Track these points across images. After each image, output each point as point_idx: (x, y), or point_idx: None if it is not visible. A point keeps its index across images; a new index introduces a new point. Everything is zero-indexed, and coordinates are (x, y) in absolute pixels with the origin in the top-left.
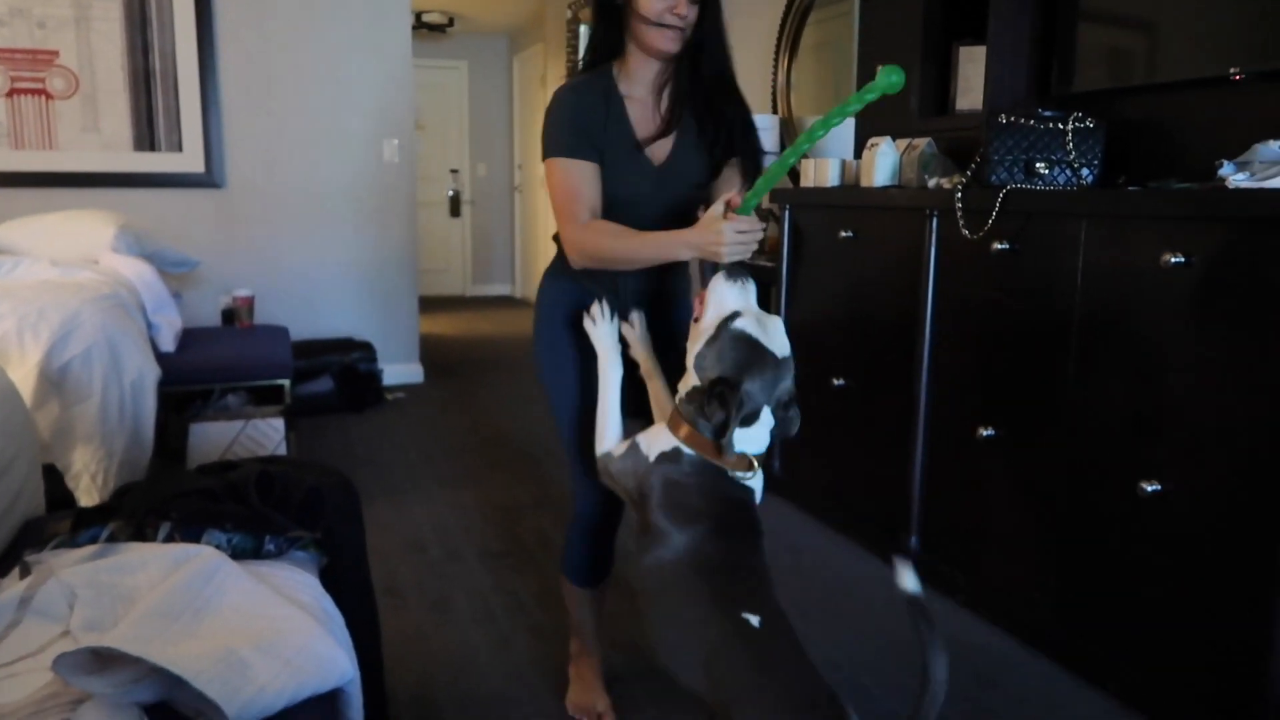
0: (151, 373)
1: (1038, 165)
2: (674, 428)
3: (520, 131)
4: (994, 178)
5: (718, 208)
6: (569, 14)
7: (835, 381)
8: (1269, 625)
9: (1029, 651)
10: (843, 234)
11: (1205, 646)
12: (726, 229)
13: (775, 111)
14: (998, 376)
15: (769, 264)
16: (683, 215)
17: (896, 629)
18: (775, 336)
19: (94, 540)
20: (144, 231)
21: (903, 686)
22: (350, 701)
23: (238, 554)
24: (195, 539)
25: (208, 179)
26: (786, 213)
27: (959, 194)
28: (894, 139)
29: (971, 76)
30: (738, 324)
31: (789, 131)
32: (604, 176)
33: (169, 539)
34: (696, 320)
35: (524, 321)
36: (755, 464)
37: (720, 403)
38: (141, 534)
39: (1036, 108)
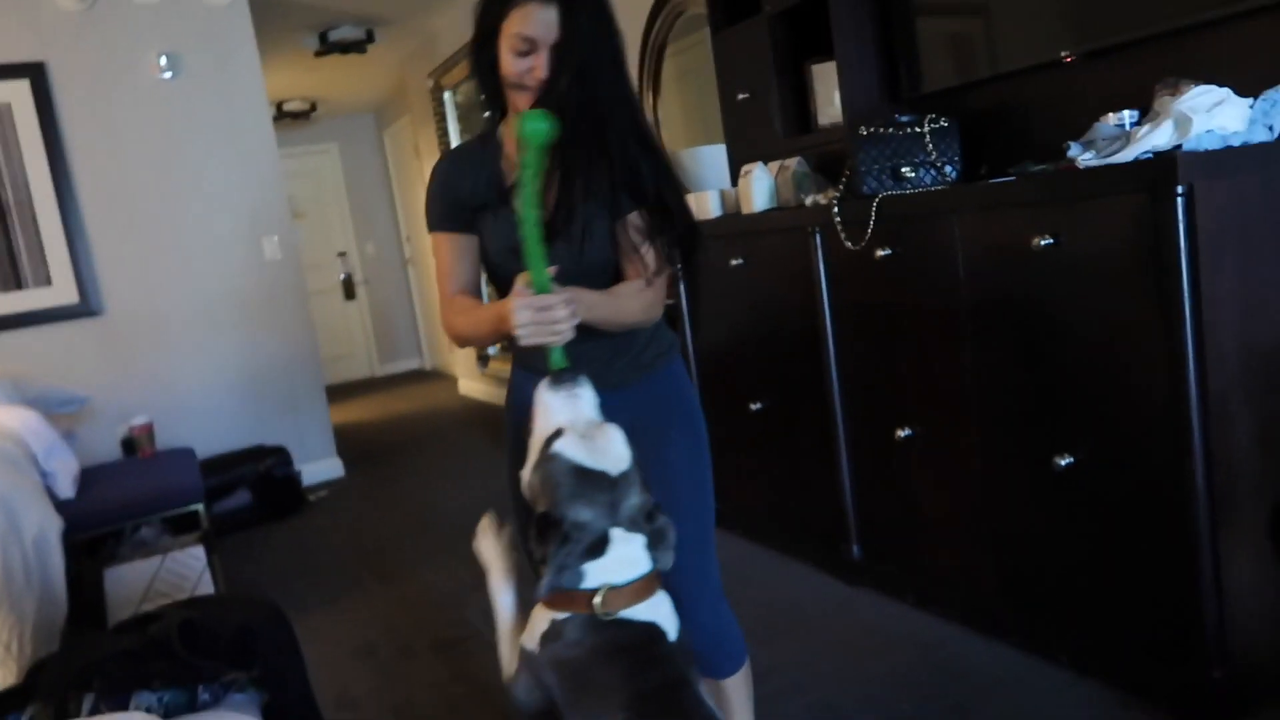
0: (53, 525)
1: (903, 170)
2: (545, 602)
3: (403, 205)
4: (865, 188)
5: (520, 281)
6: (430, 83)
7: (753, 405)
8: (1195, 572)
9: (984, 639)
10: (734, 262)
11: (1142, 603)
12: (518, 305)
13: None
14: (904, 377)
15: (669, 301)
16: (589, 278)
17: (853, 640)
18: (605, 452)
19: None
20: (22, 376)
21: (871, 696)
22: None
23: (171, 712)
24: (123, 706)
25: (84, 309)
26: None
27: (835, 209)
28: (765, 163)
29: (827, 92)
30: (558, 446)
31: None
32: (483, 245)
33: (94, 712)
34: (528, 435)
35: (437, 393)
36: (649, 589)
37: (540, 540)
38: (64, 711)
39: (892, 113)
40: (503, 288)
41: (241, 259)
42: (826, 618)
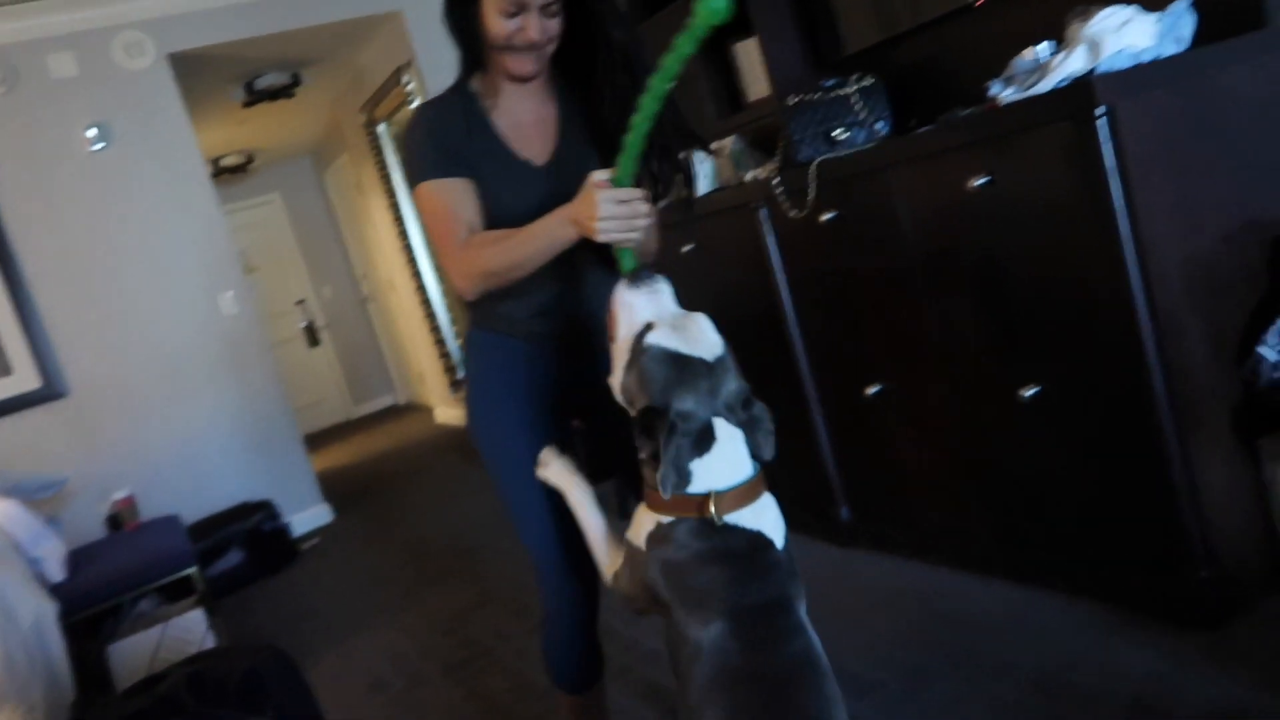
0: (49, 610)
1: (836, 133)
2: (651, 503)
3: (353, 242)
4: (801, 156)
5: (595, 176)
6: (363, 117)
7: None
8: (1169, 480)
9: (980, 580)
10: (685, 248)
11: (1124, 518)
12: (601, 197)
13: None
14: (866, 335)
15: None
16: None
17: (853, 601)
18: (700, 339)
19: None
20: None
21: (879, 654)
22: None
23: None
24: None
25: (48, 392)
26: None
27: (776, 180)
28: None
29: (753, 68)
30: (651, 338)
31: None
32: (483, 195)
33: None
34: (612, 340)
35: (414, 426)
36: (754, 493)
37: (648, 434)
38: None
39: (819, 80)
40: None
41: (199, 318)
42: (824, 583)
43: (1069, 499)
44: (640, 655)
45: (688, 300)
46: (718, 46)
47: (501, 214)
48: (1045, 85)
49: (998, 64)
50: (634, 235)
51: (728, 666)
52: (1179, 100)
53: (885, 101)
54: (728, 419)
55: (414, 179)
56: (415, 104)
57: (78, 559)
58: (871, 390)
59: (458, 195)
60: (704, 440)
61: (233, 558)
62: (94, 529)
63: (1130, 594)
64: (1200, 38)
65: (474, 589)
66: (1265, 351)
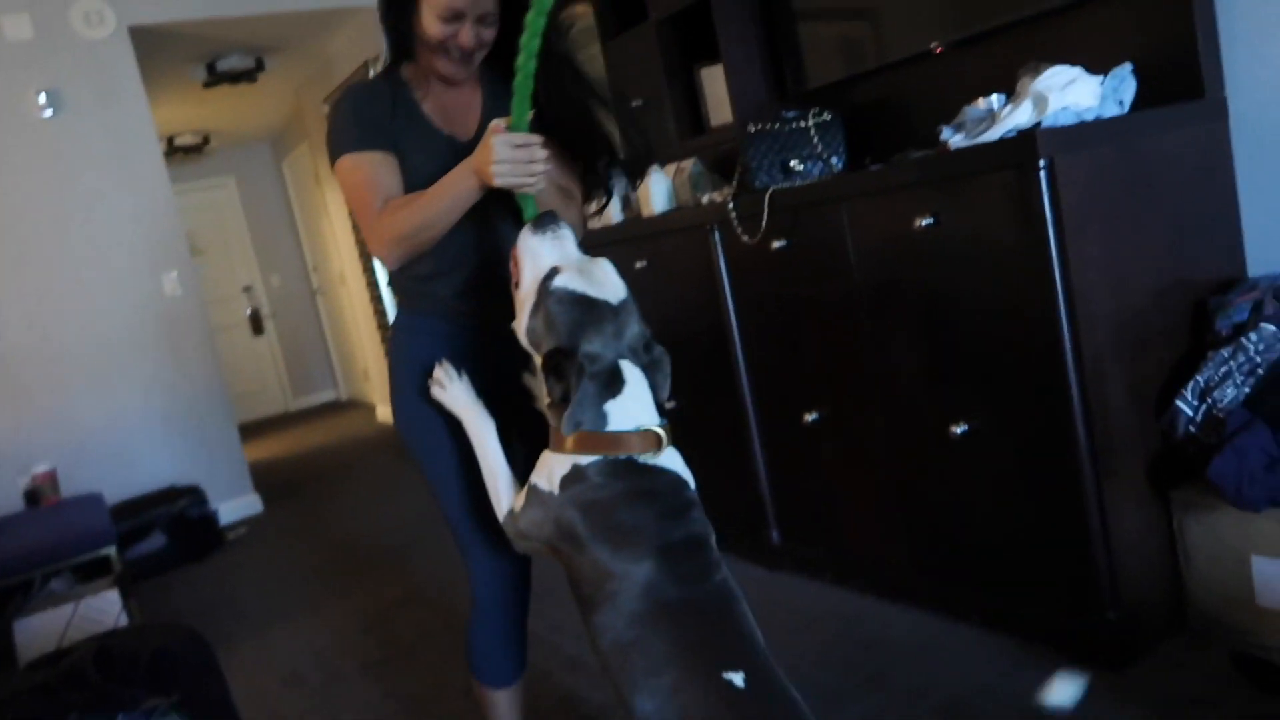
0: None
1: (792, 163)
2: (559, 445)
3: (306, 234)
4: (757, 182)
5: (494, 123)
6: (326, 108)
7: (667, 405)
8: (1084, 523)
9: (900, 608)
10: (638, 265)
11: (1040, 557)
12: (497, 143)
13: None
14: (808, 362)
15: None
16: (505, 197)
17: (776, 621)
18: (604, 282)
19: None
20: None
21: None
22: None
23: None
24: None
25: None
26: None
27: (730, 204)
28: (662, 165)
29: (717, 94)
30: (558, 281)
31: None
32: (406, 171)
33: None
34: (516, 286)
35: (354, 422)
36: (662, 438)
37: (557, 375)
38: None
39: (780, 110)
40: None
41: (140, 296)
42: (750, 603)
43: (990, 535)
44: (561, 661)
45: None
46: (685, 70)
47: (426, 181)
48: (993, 134)
49: (951, 110)
50: (531, 180)
51: (663, 599)
52: (1116, 159)
53: (842, 137)
54: (632, 361)
55: (335, 152)
56: None
57: None
58: (810, 417)
59: (378, 167)
60: (613, 382)
61: (155, 541)
62: (11, 502)
63: (1041, 630)
64: (1141, 102)
65: (399, 587)
66: (1182, 406)
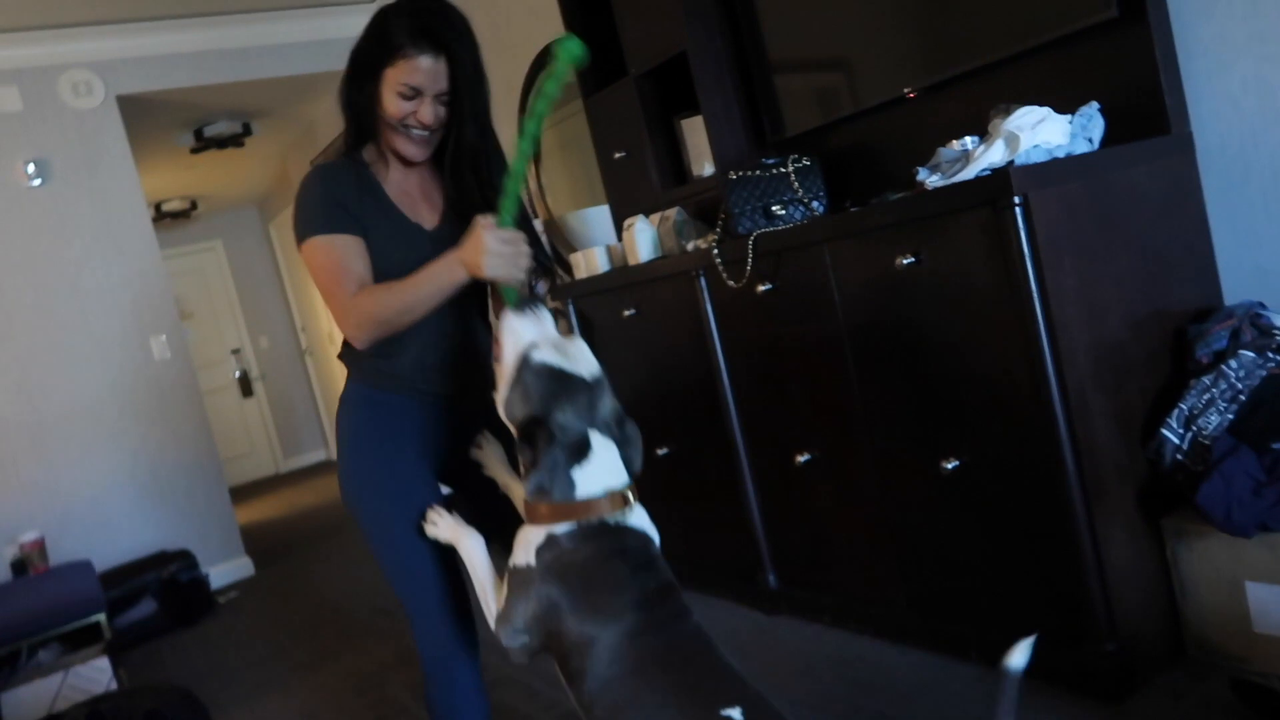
0: None
1: (774, 208)
2: (533, 517)
3: (294, 295)
4: (741, 228)
5: (483, 218)
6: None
7: (659, 451)
8: (1078, 555)
9: (898, 648)
10: (626, 313)
11: (1036, 591)
12: (487, 236)
13: (535, 216)
14: (798, 404)
15: None
16: (477, 286)
17: (775, 665)
18: (579, 358)
19: None
20: None
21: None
22: None
23: None
24: None
25: None
26: (570, 306)
27: (715, 250)
28: (646, 215)
29: (698, 144)
30: (535, 356)
31: (554, 232)
32: (374, 254)
33: None
34: (498, 361)
35: None
36: (629, 498)
37: (529, 443)
38: None
39: (760, 158)
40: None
41: (128, 360)
42: (748, 647)
43: (983, 570)
44: (542, 705)
45: (628, 364)
46: (665, 121)
47: (392, 271)
48: (968, 173)
49: (926, 152)
50: (518, 274)
51: (648, 648)
52: (1088, 194)
53: (821, 182)
54: (604, 434)
55: (303, 233)
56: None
57: None
58: (801, 458)
59: (348, 250)
60: (582, 450)
61: (145, 607)
62: None
63: (1041, 666)
64: (1109, 139)
65: (391, 648)
66: (1168, 434)
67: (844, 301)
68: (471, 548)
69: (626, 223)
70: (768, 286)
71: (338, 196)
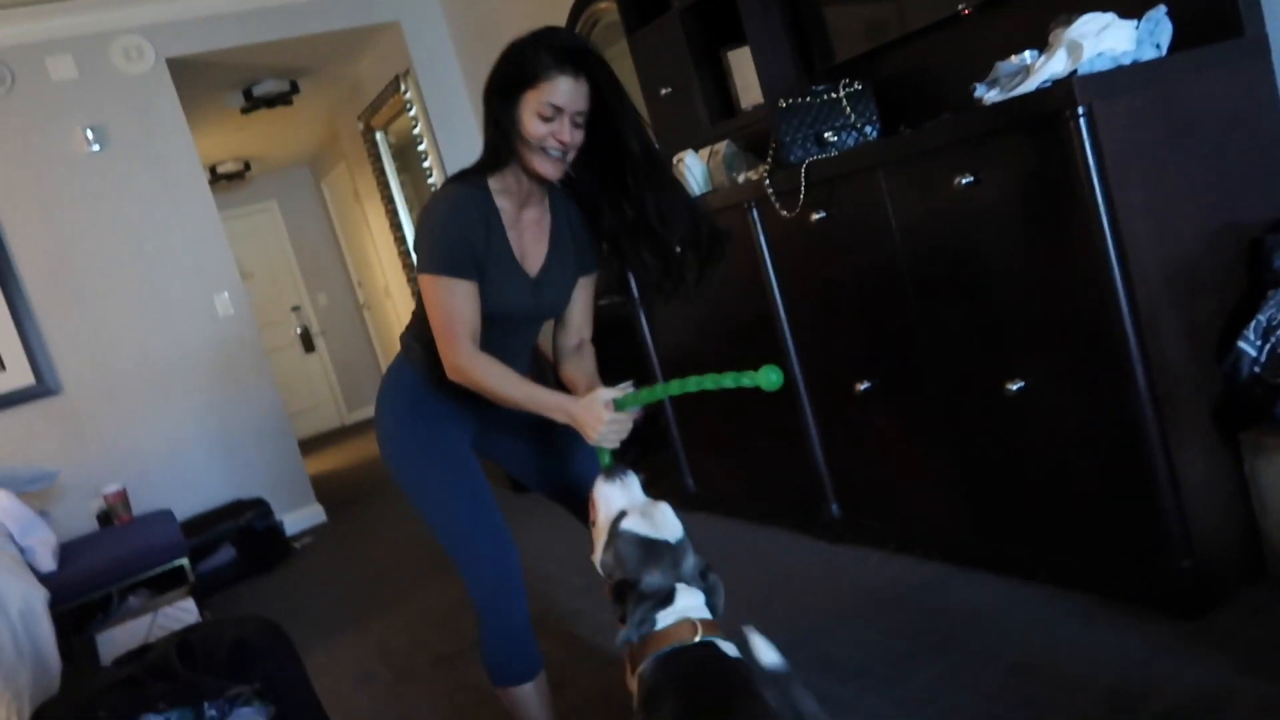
0: (38, 597)
1: (826, 135)
2: (633, 662)
3: (349, 251)
4: (792, 157)
5: (605, 394)
6: (361, 125)
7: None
8: (1150, 472)
9: (965, 573)
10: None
11: (1108, 510)
12: (605, 415)
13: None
14: (856, 333)
15: (620, 298)
16: (545, 320)
17: (840, 594)
18: (663, 524)
19: None
20: None
21: (864, 642)
22: None
23: None
24: None
25: (40, 389)
26: None
27: (766, 181)
28: (695, 150)
29: (746, 76)
30: (625, 524)
31: None
32: (483, 292)
33: None
34: (593, 524)
35: None
36: (698, 627)
37: (620, 600)
38: None
39: (809, 86)
40: (494, 330)
41: (194, 320)
42: (813, 578)
43: (1053, 492)
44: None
45: (681, 302)
46: (711, 55)
47: (494, 307)
48: (1028, 86)
49: (982, 71)
50: (615, 444)
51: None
52: (1156, 103)
53: (874, 106)
54: (689, 585)
55: (426, 266)
56: (436, 184)
57: (68, 551)
58: (861, 387)
59: (466, 298)
60: (666, 601)
61: (224, 554)
62: (85, 524)
63: (1112, 584)
64: (1178, 44)
65: (460, 588)
66: (1245, 347)
67: (901, 226)
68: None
69: (675, 158)
70: (821, 215)
71: (464, 239)
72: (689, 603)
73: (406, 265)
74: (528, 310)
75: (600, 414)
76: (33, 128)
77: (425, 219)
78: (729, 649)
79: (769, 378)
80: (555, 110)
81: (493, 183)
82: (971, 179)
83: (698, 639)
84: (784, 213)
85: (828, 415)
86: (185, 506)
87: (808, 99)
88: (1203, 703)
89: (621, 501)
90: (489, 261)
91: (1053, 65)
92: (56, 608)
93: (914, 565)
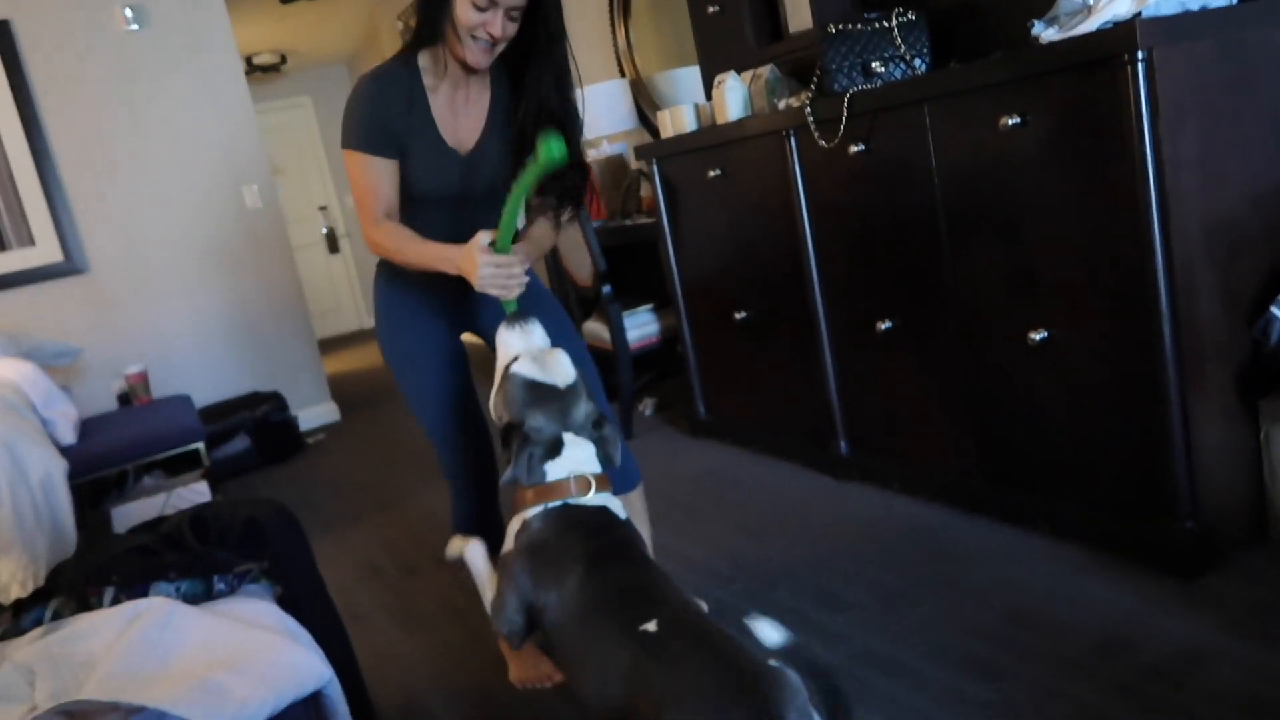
0: (58, 467)
1: (873, 65)
2: (516, 506)
3: None
4: (836, 85)
5: (482, 237)
6: (400, 25)
7: (737, 315)
8: (1166, 432)
9: (968, 517)
10: (711, 174)
11: (1117, 467)
12: (482, 261)
13: (623, 75)
14: (883, 270)
15: (649, 219)
16: (488, 199)
17: (841, 528)
18: (555, 369)
19: (39, 622)
20: (15, 330)
21: (860, 576)
22: (333, 704)
23: (188, 601)
24: (143, 595)
25: (69, 266)
26: (655, 166)
27: (808, 108)
28: (738, 72)
29: None
30: (515, 368)
31: (640, 92)
32: (408, 169)
33: (115, 602)
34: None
35: None
36: (592, 484)
37: (504, 444)
38: (86, 604)
39: (861, 12)
40: (418, 207)
41: (222, 208)
42: (815, 511)
43: (1063, 444)
44: None
45: (709, 226)
46: None
47: (420, 186)
48: (1088, 26)
49: (1044, 6)
50: (508, 292)
51: (591, 596)
52: (1220, 52)
53: (926, 38)
54: (578, 434)
55: (345, 142)
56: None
57: (88, 427)
58: (883, 326)
59: (381, 174)
60: (554, 449)
61: (239, 444)
62: (106, 403)
63: (1113, 539)
64: None
65: None
66: (1278, 312)
67: (940, 165)
68: (472, 555)
69: (717, 79)
70: (860, 148)
71: (383, 117)
72: (579, 455)
73: None
74: (458, 188)
75: (476, 258)
76: (73, 3)
77: (351, 96)
78: (618, 509)
79: (549, 153)
80: (490, 2)
81: (421, 59)
82: (1018, 120)
83: (591, 497)
84: (822, 143)
85: (846, 351)
86: (203, 394)
87: (858, 26)
88: (1186, 659)
89: (518, 347)
90: (409, 139)
91: (1117, 6)
92: (74, 480)
93: (917, 507)
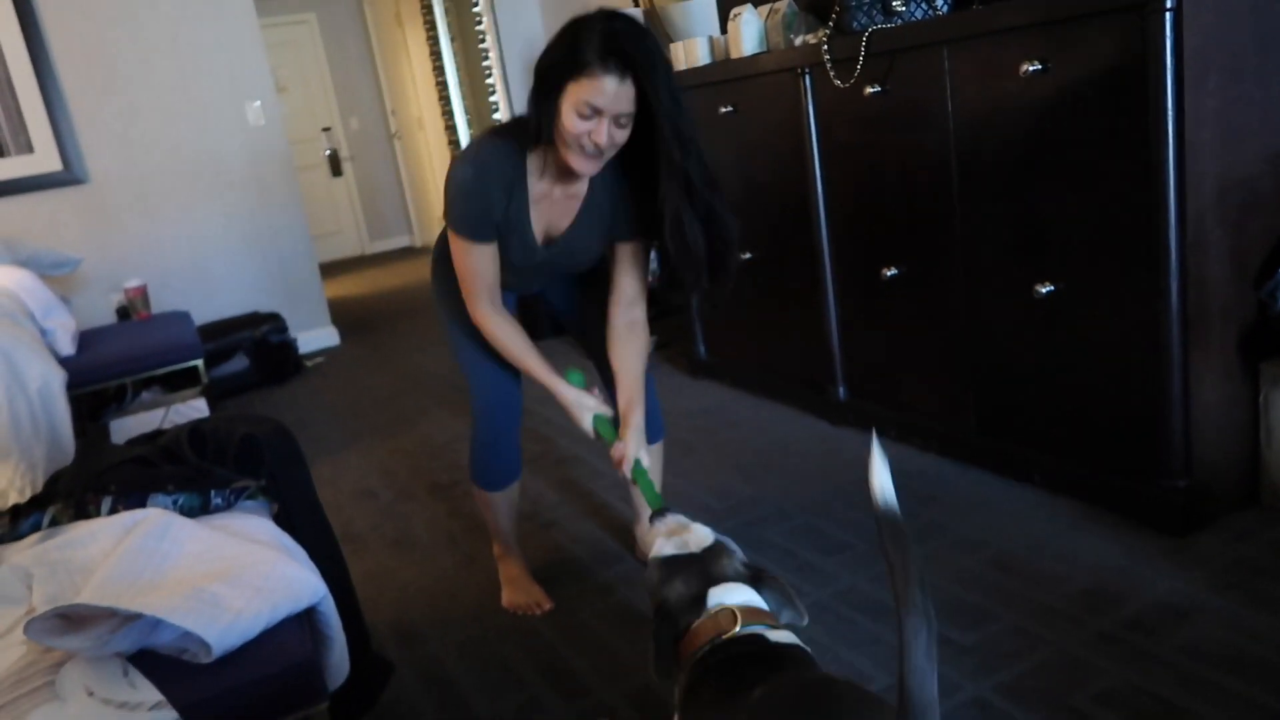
0: (56, 376)
1: (894, 3)
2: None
3: (386, 76)
4: (855, 24)
5: (590, 407)
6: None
7: (742, 256)
8: (1165, 390)
9: (961, 467)
10: (723, 109)
11: (1113, 423)
12: (588, 425)
13: (636, 4)
14: (892, 216)
15: None
16: (564, 271)
17: (834, 473)
18: (689, 541)
19: (36, 527)
20: (13, 238)
21: (849, 520)
22: (327, 619)
23: (185, 514)
24: (140, 505)
25: (68, 176)
26: None
27: (825, 46)
28: (755, 6)
29: None
30: (653, 552)
31: (655, 22)
32: (507, 244)
33: (113, 511)
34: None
35: (427, 269)
36: (737, 616)
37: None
38: (84, 512)
39: None
40: (514, 273)
41: (224, 124)
42: (810, 454)
43: (1061, 398)
44: (606, 483)
45: (718, 163)
46: None
47: (513, 272)
48: None
49: None
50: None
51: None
52: (1252, 5)
53: None
54: (740, 579)
55: (452, 223)
56: (483, 20)
57: (87, 339)
58: (888, 273)
59: (487, 259)
60: (696, 603)
61: (237, 363)
62: (104, 317)
63: (1106, 494)
64: None
65: (467, 420)
66: None
67: (956, 109)
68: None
69: (733, 12)
70: (876, 89)
71: (485, 208)
72: (728, 598)
73: (442, 98)
74: (534, 264)
75: (584, 422)
76: None
77: (454, 175)
78: (784, 638)
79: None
80: (594, 111)
81: (530, 161)
82: (1039, 67)
83: (738, 629)
84: (838, 82)
85: (849, 297)
86: (203, 312)
87: None
88: (1169, 613)
89: (662, 537)
90: (505, 225)
91: None
92: (72, 391)
93: (912, 454)
